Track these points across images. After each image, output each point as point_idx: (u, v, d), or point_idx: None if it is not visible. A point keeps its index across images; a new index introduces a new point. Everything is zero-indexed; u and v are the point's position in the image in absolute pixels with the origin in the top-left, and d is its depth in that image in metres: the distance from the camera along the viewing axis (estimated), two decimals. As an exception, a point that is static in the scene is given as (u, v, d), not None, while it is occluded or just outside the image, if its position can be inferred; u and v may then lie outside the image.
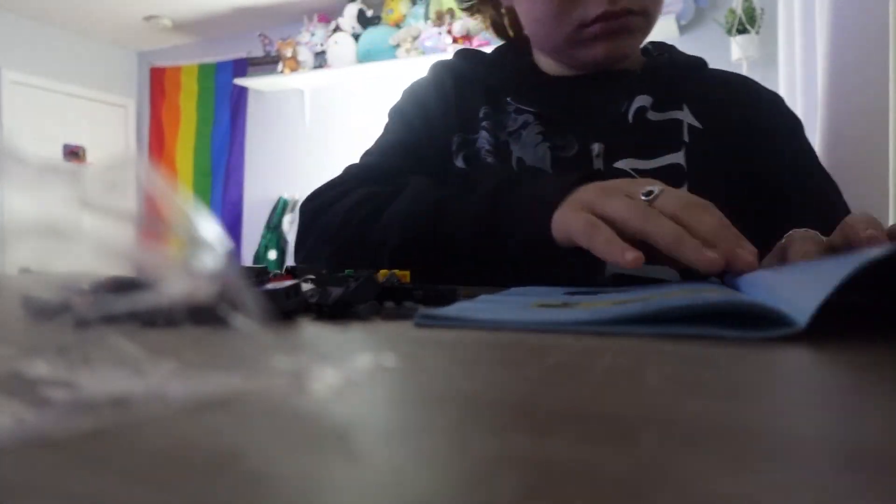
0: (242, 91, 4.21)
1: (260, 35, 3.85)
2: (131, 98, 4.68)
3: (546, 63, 0.81)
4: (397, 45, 3.39)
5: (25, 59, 4.08)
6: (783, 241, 0.47)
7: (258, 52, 3.91)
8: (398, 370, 0.20)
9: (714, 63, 0.82)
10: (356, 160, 0.82)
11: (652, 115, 0.74)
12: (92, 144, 4.38)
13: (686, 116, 0.75)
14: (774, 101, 0.80)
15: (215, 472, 0.11)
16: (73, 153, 4.25)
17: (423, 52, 3.29)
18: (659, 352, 0.23)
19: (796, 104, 1.32)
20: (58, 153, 4.19)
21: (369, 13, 3.57)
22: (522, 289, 0.49)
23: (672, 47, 0.82)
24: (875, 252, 0.24)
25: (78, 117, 4.38)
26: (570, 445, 0.13)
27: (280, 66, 3.75)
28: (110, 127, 4.57)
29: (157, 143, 4.57)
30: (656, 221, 0.44)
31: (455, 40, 3.20)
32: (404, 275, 0.52)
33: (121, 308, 0.19)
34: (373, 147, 0.83)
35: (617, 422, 0.14)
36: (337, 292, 0.33)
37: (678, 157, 0.72)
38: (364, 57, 3.50)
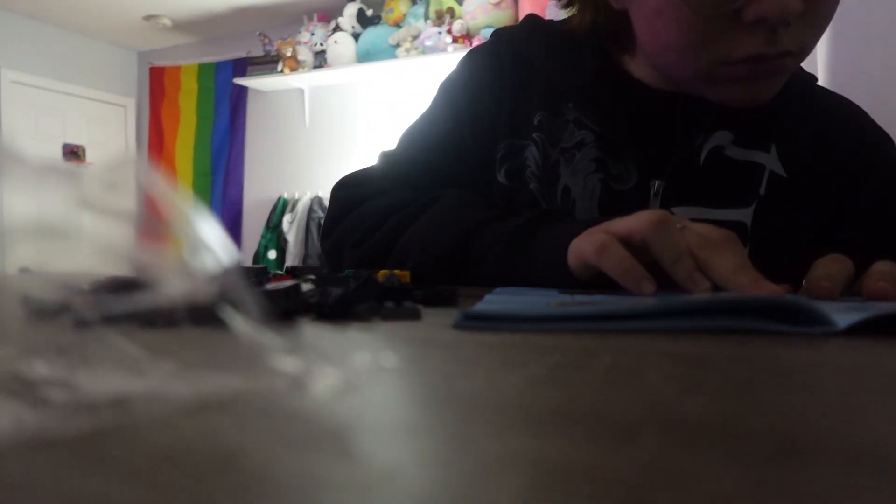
0: (242, 90, 4.21)
1: (260, 34, 3.85)
2: (131, 98, 4.69)
3: (637, 65, 0.67)
4: (397, 45, 3.39)
5: (25, 59, 4.09)
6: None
7: (258, 52, 3.91)
8: (398, 370, 0.20)
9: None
10: (356, 159, 0.79)
11: (731, 152, 0.64)
12: (92, 144, 4.38)
13: (771, 161, 0.64)
14: (879, 146, 0.68)
15: (215, 472, 0.11)
16: (73, 153, 4.25)
17: (423, 52, 3.29)
18: (659, 352, 0.24)
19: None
20: (57, 153, 4.19)
21: (369, 13, 3.57)
22: (516, 289, 0.48)
23: None
24: None
25: (77, 117, 4.38)
26: (570, 445, 0.13)
27: (280, 66, 3.75)
28: (110, 126, 4.57)
29: (157, 142, 4.57)
30: (663, 235, 0.42)
31: (455, 40, 3.20)
32: (404, 275, 0.52)
33: (121, 308, 0.19)
34: (415, 127, 0.76)
35: (617, 422, 0.14)
36: (337, 292, 0.33)
37: (745, 215, 0.63)
38: (364, 56, 3.50)
